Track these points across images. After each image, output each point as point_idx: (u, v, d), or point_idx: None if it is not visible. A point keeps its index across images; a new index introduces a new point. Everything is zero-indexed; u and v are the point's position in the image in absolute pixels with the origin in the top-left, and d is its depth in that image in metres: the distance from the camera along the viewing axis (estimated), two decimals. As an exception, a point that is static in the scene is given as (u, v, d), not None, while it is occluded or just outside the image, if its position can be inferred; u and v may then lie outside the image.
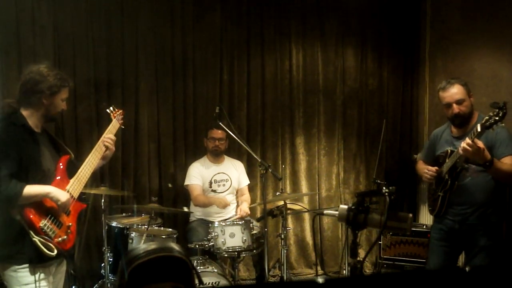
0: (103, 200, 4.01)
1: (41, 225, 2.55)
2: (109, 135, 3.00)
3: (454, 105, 3.19)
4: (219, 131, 4.58)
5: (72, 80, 2.88)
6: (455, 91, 3.19)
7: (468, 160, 3.09)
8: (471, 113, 3.21)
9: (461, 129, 3.25)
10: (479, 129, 2.82)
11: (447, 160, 3.20)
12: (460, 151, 2.96)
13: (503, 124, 2.81)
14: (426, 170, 3.32)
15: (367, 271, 5.34)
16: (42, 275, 2.64)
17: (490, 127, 2.79)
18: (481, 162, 2.96)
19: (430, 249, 3.47)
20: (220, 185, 4.63)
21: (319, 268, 5.38)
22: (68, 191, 2.72)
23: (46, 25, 4.42)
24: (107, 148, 2.95)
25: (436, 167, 3.29)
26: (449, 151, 3.24)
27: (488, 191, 3.15)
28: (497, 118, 2.77)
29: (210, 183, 4.61)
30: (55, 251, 2.57)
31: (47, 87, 2.68)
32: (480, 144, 2.89)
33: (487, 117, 2.81)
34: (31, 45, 4.38)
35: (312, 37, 5.35)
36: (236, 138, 4.17)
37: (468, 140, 2.90)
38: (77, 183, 2.78)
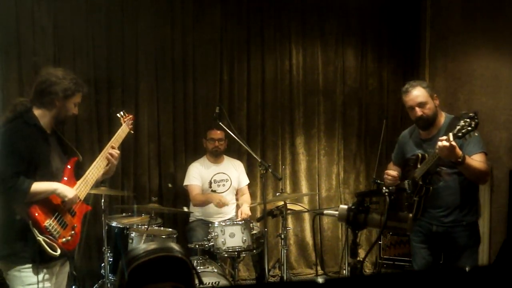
0: (103, 200, 4.02)
1: (45, 224, 2.55)
2: (113, 149, 2.97)
3: (417, 108, 3.18)
4: (218, 132, 4.58)
5: (87, 86, 2.88)
6: (416, 94, 3.19)
7: (439, 163, 3.11)
8: (435, 115, 3.21)
9: (428, 131, 3.25)
10: (451, 139, 2.84)
11: (419, 165, 3.20)
12: (437, 147, 2.95)
13: (476, 134, 2.83)
14: (386, 175, 3.36)
15: (367, 271, 5.34)
16: (46, 276, 2.64)
17: (462, 137, 2.81)
18: (453, 160, 2.97)
19: (412, 253, 3.48)
20: (220, 185, 4.63)
21: (319, 268, 5.38)
22: None
23: (46, 25, 4.43)
24: (108, 161, 2.93)
25: (396, 172, 3.34)
26: (420, 155, 3.23)
27: (461, 192, 3.16)
28: (469, 128, 2.78)
29: (210, 183, 4.60)
30: (59, 251, 2.58)
31: (62, 90, 2.70)
32: (453, 142, 2.91)
33: (459, 127, 2.81)
34: (31, 45, 4.38)
35: (312, 37, 5.35)
36: (236, 138, 4.17)
37: (445, 136, 2.91)
38: (83, 185, 2.79)
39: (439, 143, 2.92)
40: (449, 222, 3.20)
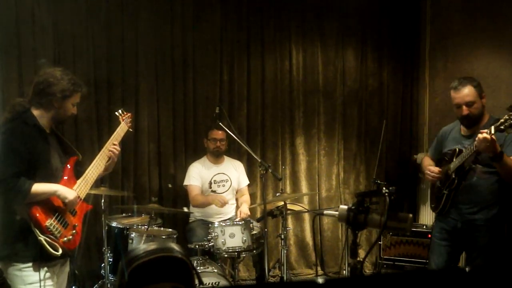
0: (103, 200, 4.01)
1: (47, 224, 2.55)
2: (115, 145, 2.99)
3: (464, 107, 3.16)
4: (220, 132, 4.57)
5: (85, 86, 2.88)
6: (466, 93, 3.16)
7: (476, 160, 3.09)
8: (481, 115, 3.20)
9: (471, 128, 3.23)
10: (492, 131, 2.82)
11: (454, 159, 3.19)
12: (477, 139, 2.94)
13: None
14: (429, 171, 3.31)
15: (367, 271, 5.34)
16: (47, 275, 2.64)
17: (504, 130, 2.78)
18: (491, 155, 2.94)
19: (431, 249, 3.47)
20: (220, 185, 4.63)
21: (319, 268, 5.37)
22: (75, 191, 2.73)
23: (46, 25, 4.42)
24: (109, 157, 2.95)
25: (439, 168, 3.27)
26: (457, 149, 3.22)
27: (493, 192, 3.14)
28: None
29: (210, 183, 4.60)
30: (60, 251, 2.58)
31: (59, 91, 2.70)
32: (493, 135, 2.89)
33: (502, 120, 2.79)
34: (31, 45, 4.37)
35: (312, 37, 5.35)
36: (236, 139, 4.17)
37: (485, 130, 2.89)
38: (83, 184, 2.80)
39: (479, 135, 2.90)
40: (475, 220, 3.17)
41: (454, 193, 3.19)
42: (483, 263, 3.12)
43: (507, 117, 2.78)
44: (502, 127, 2.78)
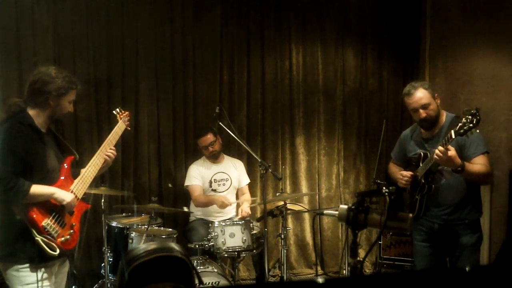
0: (103, 200, 4.01)
1: (43, 224, 2.55)
2: (112, 149, 3.00)
3: (421, 110, 3.19)
4: (207, 136, 4.52)
5: (81, 83, 2.88)
6: (420, 96, 3.19)
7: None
8: (438, 115, 3.23)
9: (430, 130, 3.26)
10: (453, 136, 2.84)
11: (421, 164, 3.21)
12: (434, 158, 2.99)
13: (477, 131, 2.84)
14: (401, 176, 3.33)
15: (367, 271, 5.34)
16: (44, 275, 2.64)
17: (464, 133, 2.81)
18: (453, 168, 3.01)
19: (414, 252, 3.48)
20: (220, 184, 4.63)
21: (319, 268, 5.38)
22: (72, 191, 2.73)
23: (46, 25, 4.42)
24: (105, 161, 2.95)
25: (411, 172, 3.28)
26: (422, 154, 3.24)
27: (463, 190, 3.18)
28: (471, 125, 2.78)
29: (210, 182, 4.60)
30: (58, 251, 2.58)
31: (55, 89, 2.69)
32: (452, 151, 2.93)
33: (460, 124, 2.81)
34: (31, 45, 4.38)
35: (312, 37, 5.35)
36: (236, 138, 4.17)
37: (440, 147, 2.93)
38: (81, 184, 2.79)
39: (435, 151, 2.95)
40: (451, 220, 3.20)
41: (426, 197, 3.22)
42: (467, 262, 3.14)
43: (465, 121, 2.80)
44: (461, 131, 2.81)
